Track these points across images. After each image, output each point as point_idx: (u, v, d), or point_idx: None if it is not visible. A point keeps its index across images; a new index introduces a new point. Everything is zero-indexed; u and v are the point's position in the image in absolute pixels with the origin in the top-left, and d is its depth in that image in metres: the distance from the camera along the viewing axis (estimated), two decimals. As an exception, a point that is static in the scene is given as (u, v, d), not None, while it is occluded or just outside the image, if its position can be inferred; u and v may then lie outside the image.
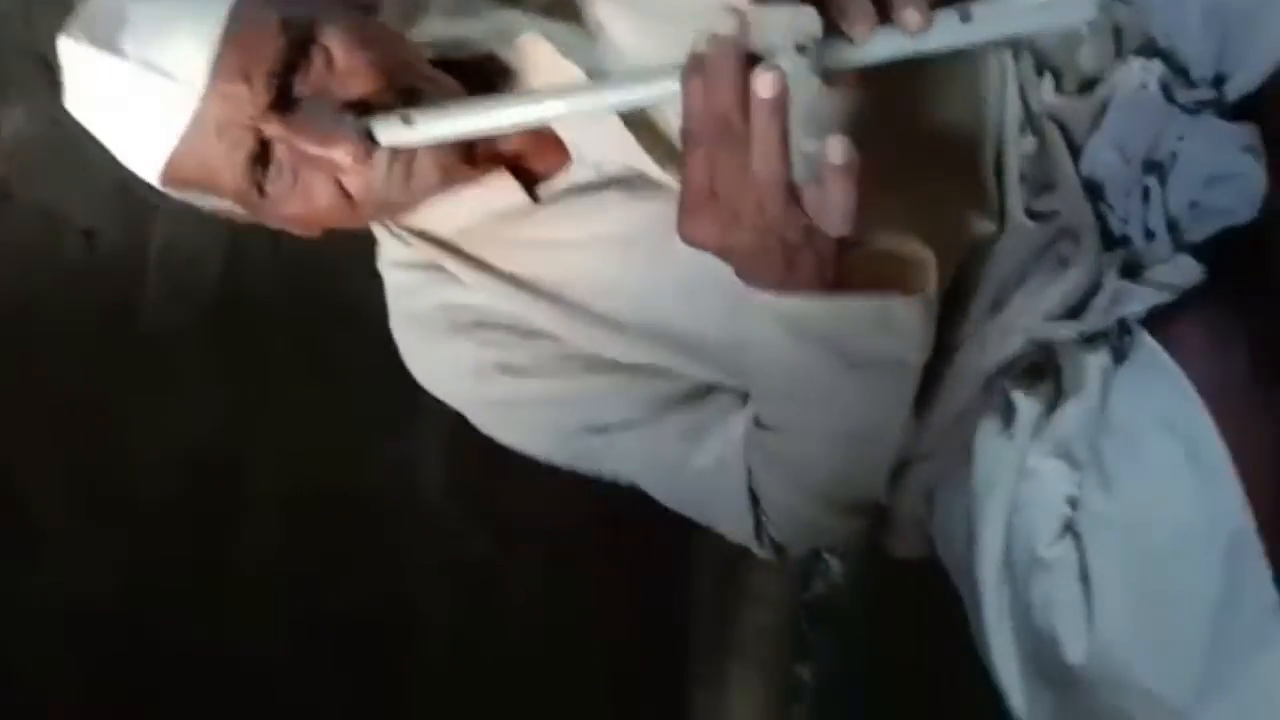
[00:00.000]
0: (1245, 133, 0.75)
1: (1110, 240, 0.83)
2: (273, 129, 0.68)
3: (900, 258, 0.70)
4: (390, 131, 0.67)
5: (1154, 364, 0.76)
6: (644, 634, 1.74)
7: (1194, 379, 0.73)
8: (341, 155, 0.67)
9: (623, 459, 0.84)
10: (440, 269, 0.82)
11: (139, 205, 1.64)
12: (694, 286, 0.76)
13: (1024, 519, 0.76)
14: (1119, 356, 0.79)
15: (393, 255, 0.85)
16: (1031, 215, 0.84)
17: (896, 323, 0.69)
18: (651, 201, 0.76)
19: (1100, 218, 0.83)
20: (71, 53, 0.69)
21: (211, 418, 1.73)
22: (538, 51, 0.76)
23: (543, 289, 0.80)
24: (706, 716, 1.66)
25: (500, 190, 0.79)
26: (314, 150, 0.68)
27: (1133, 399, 0.75)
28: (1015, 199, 0.84)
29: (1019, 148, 0.84)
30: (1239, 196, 0.76)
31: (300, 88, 0.69)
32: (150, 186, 0.73)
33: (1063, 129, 0.83)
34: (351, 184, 0.70)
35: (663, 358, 0.81)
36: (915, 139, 0.81)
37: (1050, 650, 0.69)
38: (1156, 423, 0.73)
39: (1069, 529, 0.74)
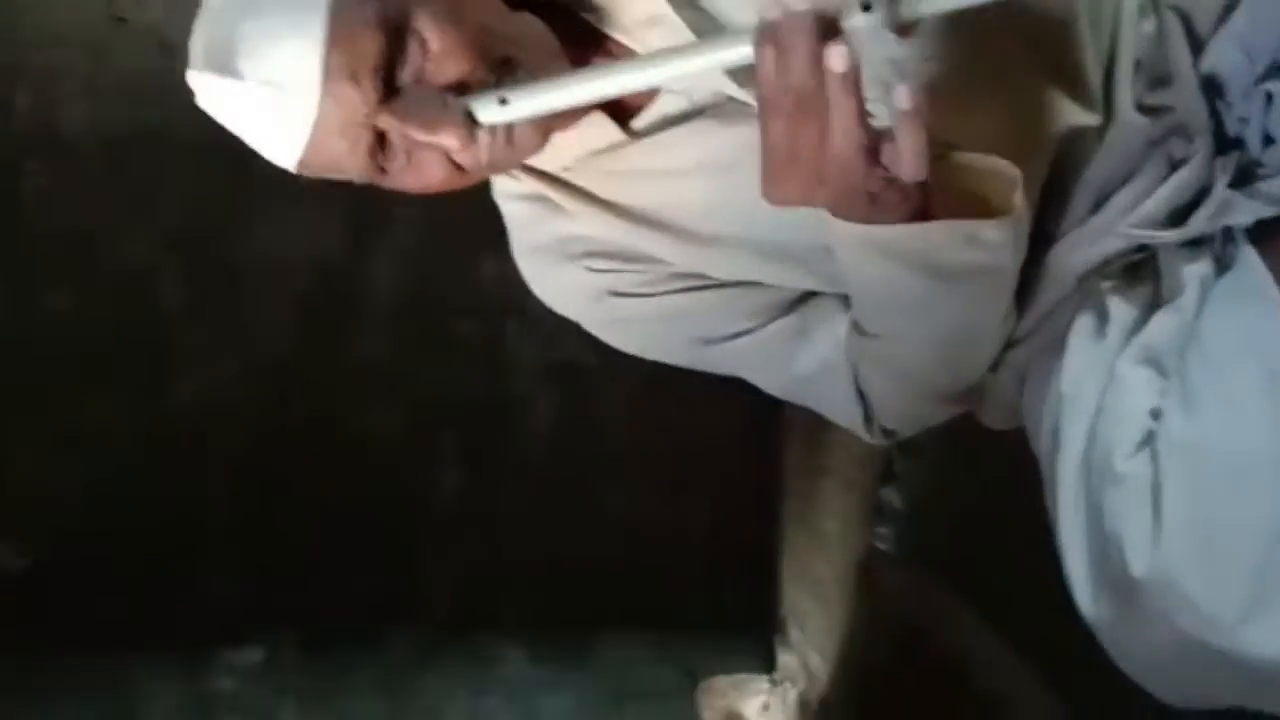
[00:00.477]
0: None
1: (1225, 142, 0.80)
2: (385, 121, 0.72)
3: (990, 170, 0.71)
4: (489, 111, 0.71)
5: (1252, 281, 0.76)
6: (741, 452, 1.85)
7: None
8: (447, 140, 0.72)
9: (736, 363, 0.90)
10: (549, 201, 0.86)
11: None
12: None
13: (1106, 424, 0.79)
14: (1221, 266, 0.79)
15: (504, 188, 0.89)
16: (1143, 110, 0.81)
17: (985, 240, 0.71)
18: (742, 125, 0.77)
19: (1216, 117, 0.80)
20: (199, 82, 0.74)
21: (331, 233, 1.83)
22: None
23: (645, 216, 0.84)
24: (797, 530, 1.79)
25: (598, 129, 0.81)
26: (422, 138, 0.72)
27: (1226, 315, 0.76)
28: (1125, 90, 0.81)
29: (1137, 32, 0.81)
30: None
31: (402, 76, 0.72)
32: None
33: (1185, 19, 0.79)
34: (460, 158, 0.74)
35: (763, 272, 0.85)
36: (1017, 26, 0.78)
37: (1116, 557, 0.74)
38: (1244, 345, 0.74)
39: (1147, 442, 0.76)
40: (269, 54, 0.70)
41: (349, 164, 0.74)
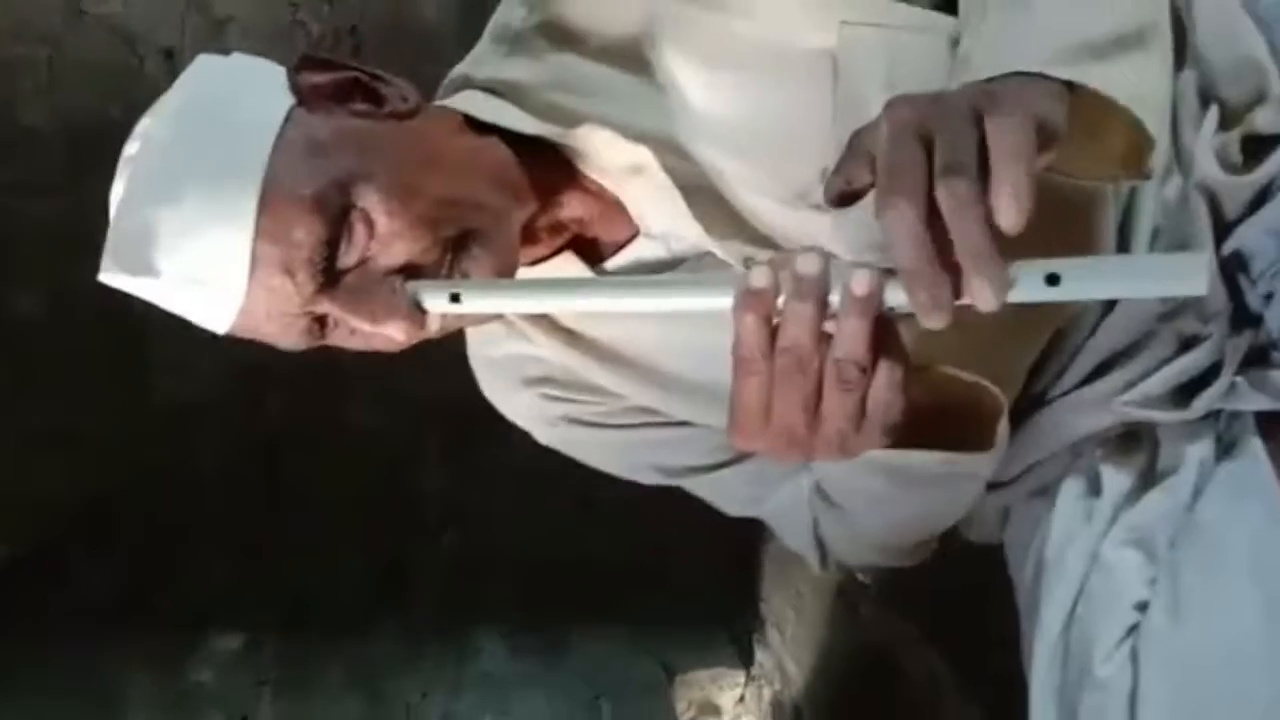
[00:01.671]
0: None
1: (1242, 317, 0.74)
2: (324, 308, 0.66)
3: (975, 387, 0.66)
4: (439, 304, 0.64)
5: (1256, 480, 0.71)
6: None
7: None
8: (394, 333, 0.65)
9: (695, 489, 0.88)
10: (509, 321, 0.81)
11: (213, 22, 1.57)
12: None
13: (1089, 610, 0.76)
14: (1223, 445, 0.75)
15: None
16: None
17: (963, 464, 0.68)
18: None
19: (1237, 293, 0.74)
20: (114, 281, 0.66)
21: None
22: (599, 136, 0.70)
23: (605, 351, 0.80)
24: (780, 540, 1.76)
25: (567, 268, 0.77)
26: (367, 329, 0.66)
27: (1225, 516, 0.72)
28: None
29: (1157, 197, 0.74)
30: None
31: (344, 259, 0.65)
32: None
33: (1212, 199, 0.72)
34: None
35: (722, 419, 0.80)
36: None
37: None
38: (1241, 557, 0.70)
39: (1129, 638, 0.73)
40: (190, 248, 0.63)
41: (283, 342, 0.68)
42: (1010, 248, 0.49)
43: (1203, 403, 0.73)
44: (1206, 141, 0.73)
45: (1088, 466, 0.81)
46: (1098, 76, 0.55)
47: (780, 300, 0.53)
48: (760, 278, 0.52)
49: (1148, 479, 0.78)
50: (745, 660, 1.98)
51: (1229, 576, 0.70)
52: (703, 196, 0.71)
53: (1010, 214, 0.47)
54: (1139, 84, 0.57)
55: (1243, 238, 0.72)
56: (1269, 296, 0.73)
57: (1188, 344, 0.74)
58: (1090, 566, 0.77)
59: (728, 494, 0.88)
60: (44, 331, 1.62)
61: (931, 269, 0.48)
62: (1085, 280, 0.50)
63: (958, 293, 0.49)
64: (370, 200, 0.64)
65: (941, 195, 0.48)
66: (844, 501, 0.79)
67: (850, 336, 0.52)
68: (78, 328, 1.58)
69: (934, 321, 0.49)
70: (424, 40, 1.68)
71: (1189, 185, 0.73)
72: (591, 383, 0.81)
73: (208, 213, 0.63)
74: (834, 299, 0.53)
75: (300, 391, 1.73)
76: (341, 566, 1.84)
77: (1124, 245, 0.75)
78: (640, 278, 0.72)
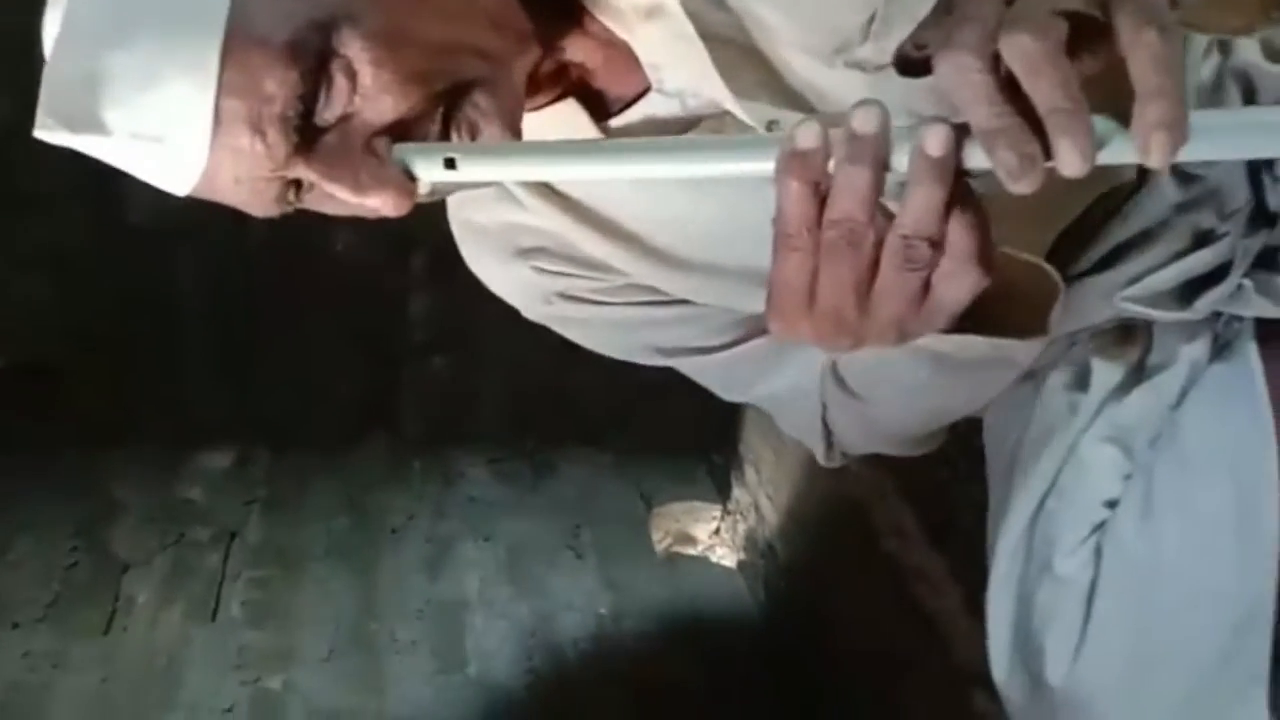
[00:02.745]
0: None
1: (1259, 216, 0.71)
2: (299, 172, 0.58)
3: (1027, 265, 0.60)
4: (432, 171, 0.56)
5: (1244, 383, 0.70)
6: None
7: None
8: (378, 203, 0.58)
9: (693, 371, 0.82)
10: (502, 187, 0.74)
11: None
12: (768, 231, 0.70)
13: (1058, 504, 0.76)
14: (1218, 345, 0.73)
15: None
16: (1179, 174, 0.71)
17: (1009, 350, 0.61)
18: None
19: (1259, 189, 0.70)
20: (51, 138, 0.57)
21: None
22: None
23: (607, 223, 0.73)
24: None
25: (568, 119, 0.68)
26: (349, 198, 0.58)
27: (1208, 414, 0.71)
28: None
29: (1194, 78, 0.70)
30: None
31: (323, 114, 0.57)
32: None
33: (1247, 84, 0.67)
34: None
35: (734, 298, 0.75)
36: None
37: (1035, 656, 0.74)
38: (1219, 454, 0.70)
39: (1095, 533, 0.74)
40: (143, 99, 0.55)
41: (251, 208, 0.61)
42: None
43: (1205, 303, 0.71)
44: (1246, 45, 0.68)
45: (1079, 357, 0.79)
46: None
47: (831, 164, 0.46)
48: (808, 137, 0.45)
49: (1137, 375, 0.76)
50: (722, 495, 2.03)
51: (1204, 477, 0.70)
52: (727, 48, 0.62)
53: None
54: None
55: (1272, 131, 0.68)
56: (1289, 197, 0.70)
57: (1201, 240, 0.71)
58: (1065, 460, 0.76)
59: (728, 377, 0.82)
60: (20, 142, 1.56)
61: (1016, 121, 0.42)
62: (1208, 138, 0.42)
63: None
64: (354, 47, 0.56)
65: (1007, 48, 0.41)
66: (867, 391, 0.73)
67: (921, 207, 0.44)
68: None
69: (1024, 185, 0.42)
70: None
71: (1225, 69, 0.68)
72: (590, 256, 0.74)
73: (163, 59, 0.54)
74: (897, 167, 0.45)
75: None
76: (329, 389, 1.85)
77: None
78: (666, 139, 0.63)
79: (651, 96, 0.68)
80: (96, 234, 1.67)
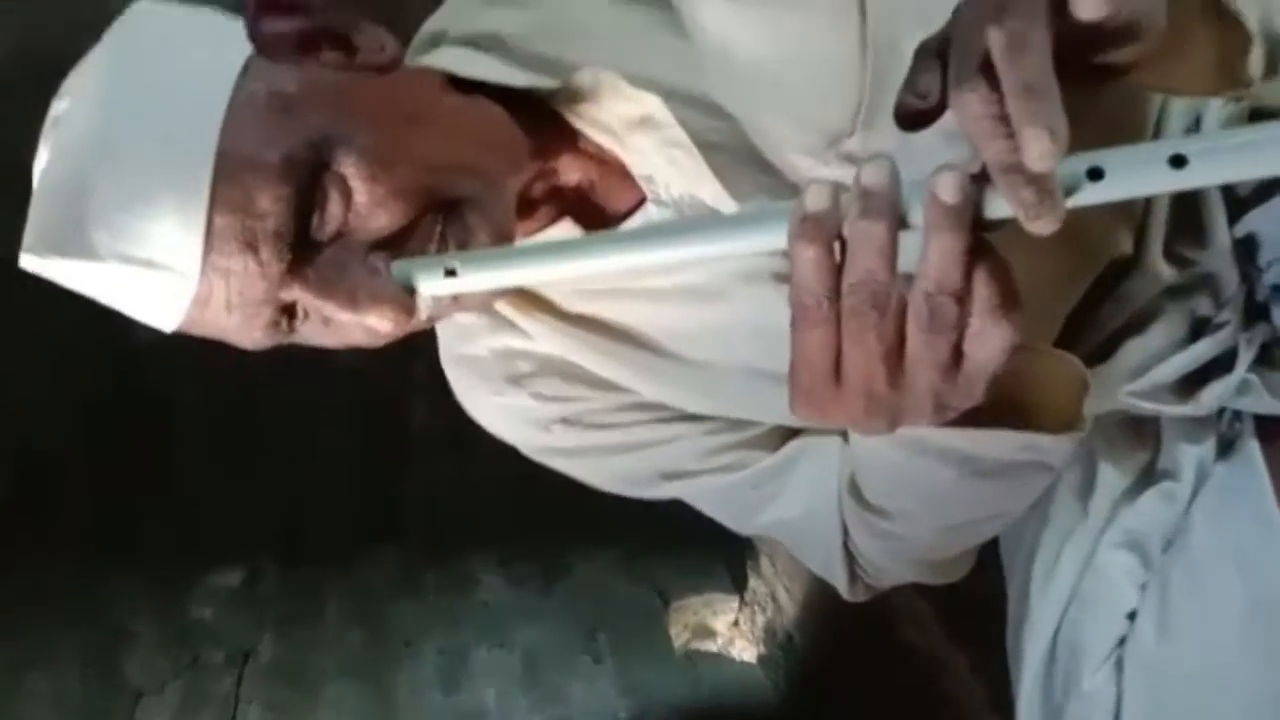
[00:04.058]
0: None
1: (1254, 309, 0.72)
2: (294, 294, 0.57)
3: (1054, 358, 0.57)
4: (432, 283, 0.54)
5: (1252, 486, 0.70)
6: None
7: None
8: (376, 320, 0.56)
9: (700, 499, 0.78)
10: (496, 313, 0.73)
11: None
12: (780, 336, 0.68)
13: (1081, 615, 0.76)
14: (1223, 443, 0.74)
15: None
16: (1171, 257, 0.72)
17: (1043, 448, 0.57)
18: None
19: (1248, 281, 0.71)
20: (39, 267, 0.56)
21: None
22: (603, 80, 0.62)
23: (613, 335, 0.72)
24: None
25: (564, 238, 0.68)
26: (345, 317, 0.57)
27: (1218, 520, 0.71)
28: (1157, 232, 0.72)
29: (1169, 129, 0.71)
30: None
31: (318, 231, 0.56)
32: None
33: None
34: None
35: (746, 406, 0.73)
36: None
37: (1070, 767, 0.73)
38: (1231, 561, 0.69)
39: (1119, 647, 0.73)
40: (133, 222, 0.53)
41: (241, 338, 0.59)
42: None
43: (1211, 397, 0.71)
44: (1215, 112, 0.69)
45: (1086, 456, 0.79)
46: None
47: (845, 228, 0.43)
48: (819, 197, 0.43)
49: (1147, 476, 0.76)
50: (739, 587, 2.01)
51: (1215, 586, 0.69)
52: (721, 152, 0.62)
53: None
54: None
55: (1253, 223, 0.69)
56: (1277, 289, 0.70)
57: (1198, 329, 0.71)
58: (1085, 568, 0.75)
59: (739, 502, 0.77)
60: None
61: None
62: (1216, 159, 0.40)
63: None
64: (348, 163, 0.55)
65: (994, 42, 0.39)
66: (891, 505, 0.68)
67: (941, 260, 0.41)
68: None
69: (1045, 224, 0.40)
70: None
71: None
72: (593, 375, 0.73)
73: (153, 180, 0.53)
74: (913, 222, 0.42)
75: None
76: (335, 499, 1.84)
77: (1146, 215, 0.71)
78: (669, 222, 0.61)
79: (647, 208, 0.67)
80: (96, 341, 1.69)
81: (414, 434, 1.89)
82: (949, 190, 0.41)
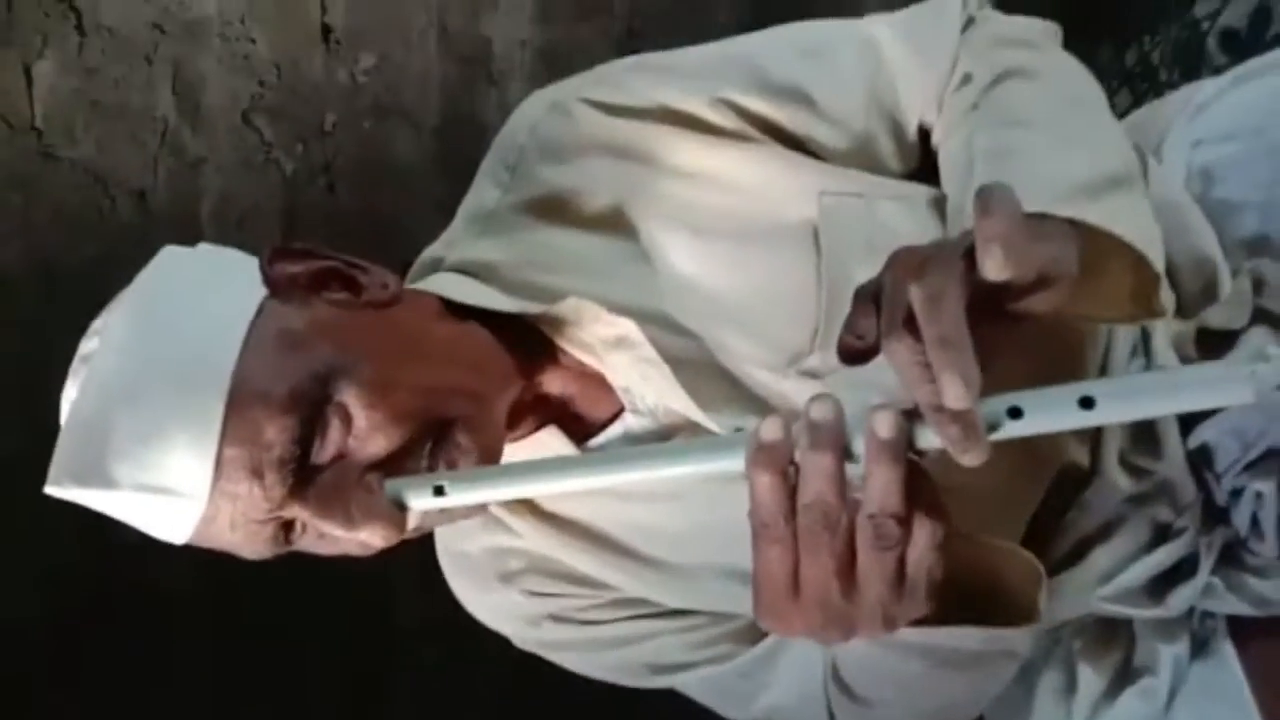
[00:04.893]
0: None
1: (1211, 512, 0.75)
2: (294, 512, 0.61)
3: (1007, 552, 0.60)
4: (422, 500, 0.58)
5: (1228, 688, 0.72)
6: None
7: (1269, 707, 0.69)
8: (369, 535, 0.60)
9: (691, 690, 0.81)
10: (487, 514, 0.77)
11: (186, 164, 1.58)
12: (743, 533, 0.70)
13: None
14: (1197, 642, 0.75)
15: None
16: (1127, 467, 0.75)
17: (1005, 639, 0.61)
18: None
19: (1205, 486, 0.74)
20: (62, 495, 0.61)
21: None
22: (583, 308, 0.68)
23: (595, 537, 0.76)
24: None
25: (550, 446, 0.73)
26: (342, 534, 0.61)
27: (1198, 716, 0.72)
28: (1112, 443, 0.75)
29: (1125, 375, 0.75)
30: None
31: (317, 457, 0.60)
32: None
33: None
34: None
35: (724, 600, 0.76)
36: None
37: None
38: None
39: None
40: (150, 455, 0.58)
41: (244, 551, 0.64)
42: None
43: (1179, 600, 0.73)
44: (1163, 331, 0.74)
45: (1065, 656, 0.80)
46: (1095, 213, 0.55)
47: (797, 455, 0.48)
48: (772, 430, 0.48)
49: (1124, 675, 0.77)
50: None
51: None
52: (690, 368, 0.68)
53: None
54: (1134, 219, 0.57)
55: (1204, 434, 0.73)
56: (1236, 493, 0.73)
57: (1162, 534, 0.75)
58: None
59: (725, 692, 0.80)
60: (15, 470, 1.59)
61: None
62: (1121, 400, 0.46)
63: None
64: (349, 394, 0.60)
65: (915, 300, 0.44)
66: (869, 692, 0.71)
67: (882, 487, 0.46)
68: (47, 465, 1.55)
69: (972, 456, 0.45)
70: (396, 173, 1.69)
71: (1155, 352, 0.73)
72: (578, 573, 0.76)
73: (170, 416, 0.58)
74: (856, 453, 0.48)
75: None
76: (318, 709, 1.79)
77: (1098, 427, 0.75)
78: (639, 448, 0.66)
79: (626, 416, 0.72)
80: (81, 546, 1.67)
81: (397, 628, 1.86)
82: (885, 427, 0.46)
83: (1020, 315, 0.51)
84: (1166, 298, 0.57)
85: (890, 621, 0.50)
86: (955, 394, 0.43)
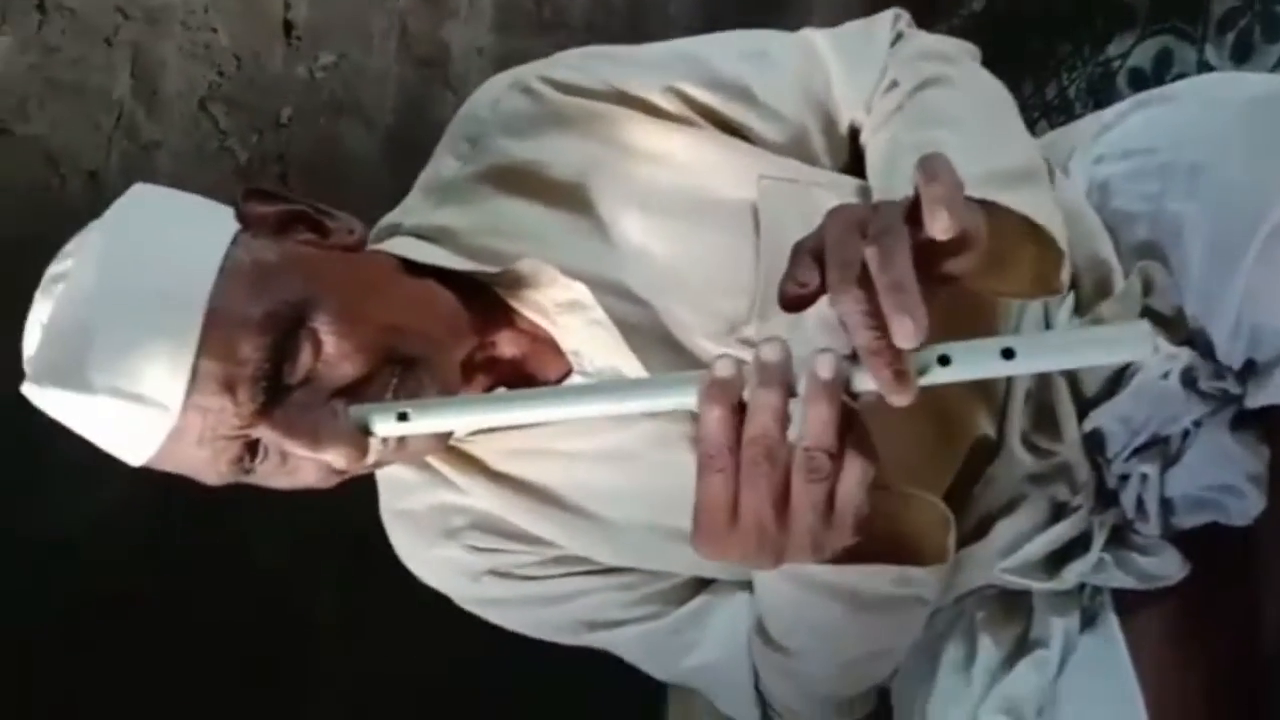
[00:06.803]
0: (1253, 459, 0.73)
1: (1103, 493, 0.81)
2: (261, 432, 0.64)
3: (919, 501, 0.66)
4: (385, 425, 0.61)
5: (1110, 656, 0.77)
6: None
7: (1147, 676, 0.75)
8: (335, 458, 0.64)
9: (622, 648, 0.86)
10: (431, 469, 0.80)
11: (140, 146, 1.59)
12: (687, 496, 0.74)
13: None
14: (1086, 616, 0.81)
15: None
16: (1029, 446, 0.82)
17: (915, 580, 0.66)
18: (654, 419, 0.74)
19: (1098, 470, 0.81)
20: (38, 397, 0.64)
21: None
22: (539, 269, 0.72)
23: (540, 495, 0.79)
24: None
25: None
26: (307, 454, 0.64)
27: (1084, 686, 0.77)
28: (1015, 422, 0.82)
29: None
30: (1235, 509, 0.74)
31: (288, 378, 0.64)
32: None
33: (1070, 377, 0.80)
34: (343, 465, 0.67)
35: (661, 558, 0.81)
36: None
37: None
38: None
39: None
40: (128, 362, 0.61)
41: (207, 472, 0.66)
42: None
43: (1072, 574, 0.79)
44: (1064, 322, 0.81)
45: (967, 632, 0.85)
46: (1007, 198, 0.62)
47: (745, 393, 0.52)
48: (725, 368, 0.52)
49: (1021, 647, 0.83)
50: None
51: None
52: (638, 333, 0.72)
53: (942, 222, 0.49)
54: (1039, 206, 0.63)
55: (1098, 419, 0.79)
56: (1124, 478, 0.80)
57: (1059, 511, 0.81)
58: None
59: (656, 648, 0.85)
60: None
61: (891, 345, 0.49)
62: (1038, 353, 0.51)
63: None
64: (320, 321, 0.64)
65: (869, 253, 0.49)
66: (790, 641, 0.76)
67: (818, 422, 0.51)
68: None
69: (901, 397, 0.50)
70: (348, 169, 1.71)
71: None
72: (520, 529, 0.80)
73: (148, 330, 0.61)
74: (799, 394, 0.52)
75: (204, 519, 1.69)
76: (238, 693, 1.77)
77: (1006, 403, 0.82)
78: (597, 383, 0.70)
79: (574, 378, 0.77)
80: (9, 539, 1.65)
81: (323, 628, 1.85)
82: (825, 368, 0.51)
83: (943, 278, 0.57)
84: (1066, 275, 0.64)
85: (819, 549, 0.54)
86: (906, 331, 0.47)
